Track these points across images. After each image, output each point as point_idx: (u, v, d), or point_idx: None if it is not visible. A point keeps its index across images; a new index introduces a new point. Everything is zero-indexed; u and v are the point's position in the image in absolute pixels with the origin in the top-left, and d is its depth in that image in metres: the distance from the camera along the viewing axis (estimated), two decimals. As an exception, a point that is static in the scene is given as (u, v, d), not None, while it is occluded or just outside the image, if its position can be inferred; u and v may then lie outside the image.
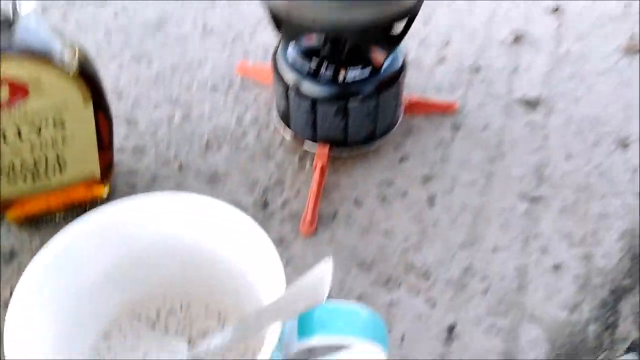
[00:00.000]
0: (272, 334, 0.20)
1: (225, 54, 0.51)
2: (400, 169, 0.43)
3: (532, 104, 0.49)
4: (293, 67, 0.38)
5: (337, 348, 0.24)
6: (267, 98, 0.47)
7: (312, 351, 0.24)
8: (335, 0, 0.31)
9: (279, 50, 0.40)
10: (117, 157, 0.42)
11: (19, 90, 0.27)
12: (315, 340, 0.22)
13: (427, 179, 0.43)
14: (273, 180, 0.41)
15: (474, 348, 0.33)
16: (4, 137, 0.29)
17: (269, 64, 0.41)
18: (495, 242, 0.39)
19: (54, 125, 0.29)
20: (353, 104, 0.37)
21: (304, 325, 0.22)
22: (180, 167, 0.42)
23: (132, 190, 0.40)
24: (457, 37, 0.57)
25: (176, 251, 0.26)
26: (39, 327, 0.21)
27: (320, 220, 0.39)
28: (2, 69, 0.26)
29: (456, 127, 0.47)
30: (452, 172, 0.43)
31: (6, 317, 0.20)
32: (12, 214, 0.35)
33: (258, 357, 0.20)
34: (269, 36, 0.54)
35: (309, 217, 0.38)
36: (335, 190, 0.41)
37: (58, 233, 0.23)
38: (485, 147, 0.46)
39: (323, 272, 0.20)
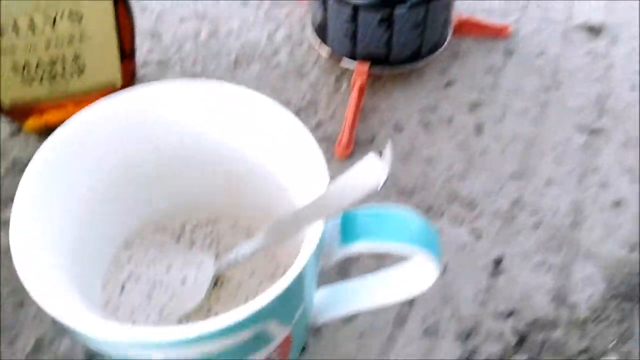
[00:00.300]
0: (310, 237, 0.18)
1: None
2: (446, 94, 0.39)
3: (594, 31, 0.44)
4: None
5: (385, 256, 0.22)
6: (300, 14, 0.43)
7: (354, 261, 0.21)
8: None
9: (317, -47, 0.36)
10: (140, 71, 0.39)
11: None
12: (360, 246, 0.19)
13: (475, 106, 0.39)
14: (306, 100, 0.38)
15: (522, 283, 0.30)
16: (17, 28, 0.26)
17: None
18: (548, 175, 0.35)
19: (70, 17, 0.27)
20: (400, 10, 0.33)
21: (347, 229, 0.19)
22: (208, 83, 0.39)
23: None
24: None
25: (203, 153, 0.23)
26: (51, 226, 0.19)
27: (357, 144, 0.36)
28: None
29: (509, 53, 0.43)
30: (503, 99, 0.39)
31: (13, 209, 0.18)
32: (30, 124, 0.33)
33: (294, 264, 0.17)
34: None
35: (345, 140, 0.35)
36: (373, 113, 0.38)
37: (71, 117, 0.20)
38: (540, 75, 0.41)
39: (373, 160, 0.17)
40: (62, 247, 0.20)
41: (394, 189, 0.34)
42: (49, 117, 0.33)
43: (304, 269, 0.17)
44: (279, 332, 0.20)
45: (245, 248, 0.20)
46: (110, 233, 0.24)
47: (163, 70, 0.39)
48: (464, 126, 0.38)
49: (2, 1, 0.25)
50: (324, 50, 0.38)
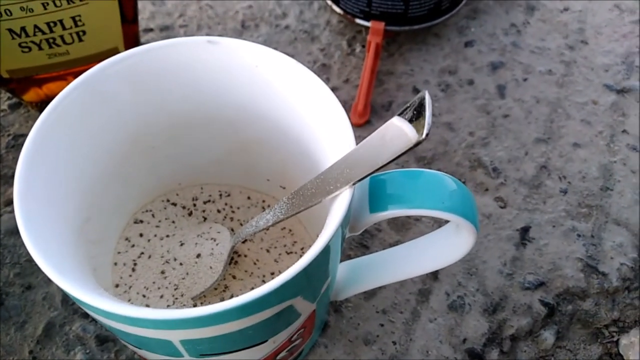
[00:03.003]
0: (337, 204, 0.16)
1: None
2: (465, 55, 0.37)
3: (621, -16, 0.42)
4: None
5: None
6: (309, -27, 0.41)
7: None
8: None
9: None
10: (143, 37, 0.37)
11: None
12: (389, 214, 0.17)
13: (496, 67, 0.37)
14: (318, 64, 0.36)
15: (551, 252, 0.29)
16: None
17: None
18: (575, 138, 0.34)
19: (67, -23, 0.25)
20: (419, -36, 0.31)
21: (376, 196, 0.17)
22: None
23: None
24: None
25: (217, 119, 0.22)
26: (56, 203, 0.17)
27: (373, 111, 0.34)
28: None
29: (530, 9, 0.40)
30: (525, 59, 0.37)
31: (15, 184, 0.16)
32: (30, 96, 0.31)
33: (321, 235, 0.16)
34: None
35: (361, 106, 0.33)
36: (389, 78, 0.36)
37: (74, 81, 0.19)
38: (563, 32, 0.39)
39: (400, 120, 0.15)
40: (69, 225, 0.18)
41: (413, 156, 0.33)
42: (48, 89, 0.31)
43: (331, 239, 0.16)
44: (303, 309, 0.18)
45: (266, 216, 0.19)
46: (119, 209, 0.22)
47: (167, 36, 0.37)
48: (485, 89, 0.36)
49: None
50: (337, 10, 0.36)
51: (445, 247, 0.20)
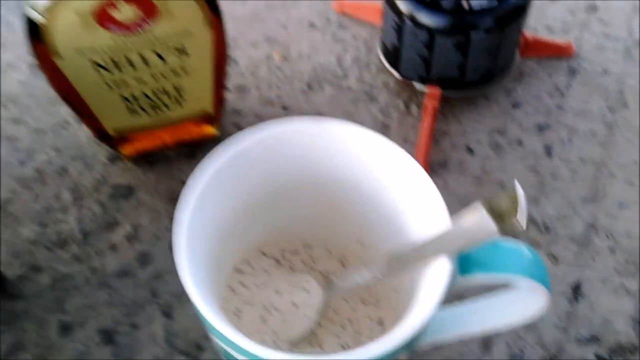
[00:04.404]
0: (436, 273, 0.19)
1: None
2: (513, 116, 0.40)
3: (656, 48, 0.45)
4: (409, -6, 0.35)
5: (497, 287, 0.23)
6: (366, 37, 0.45)
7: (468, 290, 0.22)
8: None
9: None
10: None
11: (148, 11, 0.26)
12: (476, 278, 0.20)
13: (542, 128, 0.40)
14: (378, 124, 0.39)
15: (603, 308, 0.31)
16: (130, 63, 0.28)
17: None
18: (620, 198, 0.36)
19: (177, 52, 0.28)
20: (476, 36, 0.34)
21: (465, 261, 0.20)
22: (284, 108, 0.40)
23: (238, 129, 0.39)
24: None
25: (312, 185, 0.25)
26: (196, 251, 0.20)
27: (431, 169, 0.37)
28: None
29: (572, 72, 0.43)
30: (569, 121, 0.40)
31: (173, 237, 0.19)
32: (127, 150, 0.35)
33: (429, 298, 0.19)
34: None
35: (420, 164, 0.36)
36: (444, 137, 0.39)
37: (217, 152, 0.22)
38: (604, 94, 0.42)
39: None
40: (207, 275, 0.21)
41: (469, 212, 0.35)
42: (144, 144, 0.35)
43: (436, 304, 0.18)
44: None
45: (364, 275, 0.21)
46: (227, 261, 0.25)
47: (242, 95, 0.41)
48: (533, 149, 0.38)
49: (116, 39, 0.26)
50: (395, 74, 0.40)
51: (522, 306, 0.22)
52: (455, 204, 0.36)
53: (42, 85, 0.41)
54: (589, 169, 0.38)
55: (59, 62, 0.27)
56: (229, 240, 0.24)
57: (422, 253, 0.20)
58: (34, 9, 0.25)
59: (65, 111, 0.39)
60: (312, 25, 0.46)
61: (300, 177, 0.24)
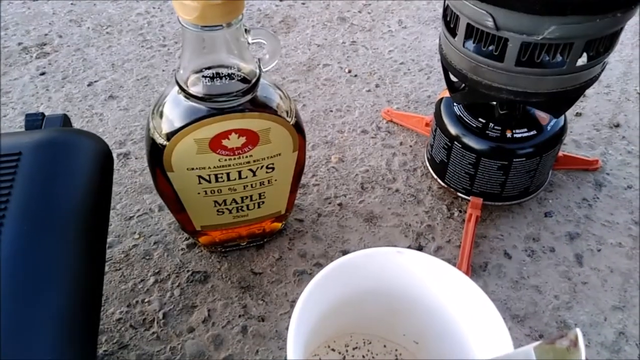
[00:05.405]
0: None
1: (370, 99, 0.55)
2: (546, 224, 0.44)
3: (676, 166, 0.49)
4: (459, 121, 0.41)
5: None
6: (411, 143, 0.50)
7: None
8: (526, 75, 0.33)
9: (442, 103, 0.43)
10: (281, 191, 0.46)
11: (252, 140, 0.31)
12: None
13: (572, 237, 0.44)
14: (424, 225, 0.44)
15: (634, 415, 0.34)
16: (228, 177, 0.33)
17: (411, 111, 0.43)
18: (647, 309, 0.39)
19: (267, 168, 0.34)
20: (518, 161, 0.39)
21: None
22: (341, 206, 0.45)
23: (300, 224, 0.44)
24: (591, 91, 0.58)
25: (384, 295, 0.29)
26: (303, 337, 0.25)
27: (473, 270, 0.41)
28: (245, 123, 0.30)
29: (598, 185, 0.48)
30: (598, 231, 0.44)
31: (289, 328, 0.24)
32: (204, 240, 0.40)
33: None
34: (409, 82, 0.57)
35: (464, 268, 0.40)
36: (483, 241, 0.43)
37: (325, 270, 0.26)
38: (629, 208, 0.46)
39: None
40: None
41: (508, 314, 0.39)
42: (220, 236, 0.40)
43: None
44: None
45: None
46: (302, 353, 0.29)
47: (303, 194, 0.46)
48: (565, 257, 0.42)
49: (222, 160, 0.32)
50: (440, 182, 0.45)
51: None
52: (497, 306, 0.39)
53: (129, 175, 0.47)
54: (617, 279, 0.41)
55: (170, 174, 0.33)
56: (309, 336, 0.28)
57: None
58: (159, 134, 0.31)
59: (150, 200, 0.45)
60: (364, 131, 0.52)
61: (375, 290, 0.29)
